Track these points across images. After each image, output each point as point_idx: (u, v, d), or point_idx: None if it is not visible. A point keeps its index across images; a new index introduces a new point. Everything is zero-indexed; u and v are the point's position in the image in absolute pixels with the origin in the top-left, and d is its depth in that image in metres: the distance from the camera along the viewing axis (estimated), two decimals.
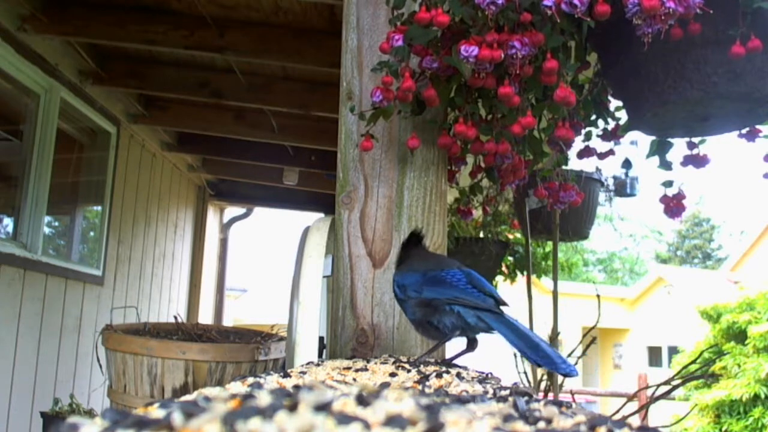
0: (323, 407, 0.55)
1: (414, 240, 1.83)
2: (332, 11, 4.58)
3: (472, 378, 1.29)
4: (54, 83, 5.42)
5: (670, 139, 2.38)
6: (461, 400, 0.70)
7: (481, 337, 1.59)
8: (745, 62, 1.89)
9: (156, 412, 0.54)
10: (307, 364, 1.52)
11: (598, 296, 4.29)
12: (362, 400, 0.59)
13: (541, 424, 0.62)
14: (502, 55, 1.75)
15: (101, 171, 6.46)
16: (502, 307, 1.50)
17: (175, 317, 4.11)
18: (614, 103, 2.57)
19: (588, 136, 2.68)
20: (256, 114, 6.51)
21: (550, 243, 5.41)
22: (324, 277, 2.02)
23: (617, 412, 3.57)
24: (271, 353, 3.47)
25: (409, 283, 1.64)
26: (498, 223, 5.11)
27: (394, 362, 1.50)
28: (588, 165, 4.42)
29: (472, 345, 1.61)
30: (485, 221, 5.05)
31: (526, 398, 0.80)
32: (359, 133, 2.17)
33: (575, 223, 4.51)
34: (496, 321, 1.45)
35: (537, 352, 1.30)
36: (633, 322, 29.44)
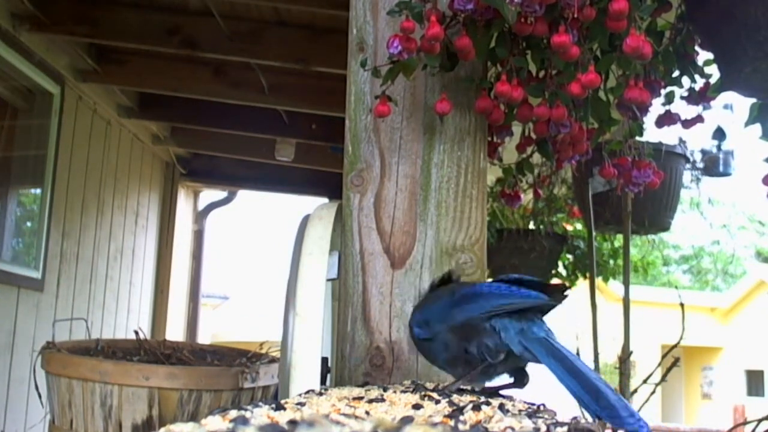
0: None
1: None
2: None
3: (520, 411, 1.29)
4: None
5: None
6: None
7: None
8: None
9: None
10: (307, 392, 1.53)
11: (681, 305, 4.29)
12: None
13: None
14: None
15: (41, 144, 6.45)
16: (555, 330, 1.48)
17: (136, 332, 4.13)
18: (703, 56, 2.56)
19: (669, 99, 2.67)
20: (240, 70, 6.50)
21: (619, 236, 5.40)
22: (328, 280, 2.02)
23: None
24: (259, 379, 3.49)
25: (432, 314, 1.63)
26: (553, 210, 5.10)
27: (418, 390, 1.50)
28: (669, 136, 4.41)
29: (522, 380, 1.60)
30: (536, 208, 5.06)
31: None
32: (373, 94, 2.17)
33: (653, 210, 4.50)
34: (547, 354, 1.42)
35: (597, 400, 1.27)
36: (727, 339, 29.35)
